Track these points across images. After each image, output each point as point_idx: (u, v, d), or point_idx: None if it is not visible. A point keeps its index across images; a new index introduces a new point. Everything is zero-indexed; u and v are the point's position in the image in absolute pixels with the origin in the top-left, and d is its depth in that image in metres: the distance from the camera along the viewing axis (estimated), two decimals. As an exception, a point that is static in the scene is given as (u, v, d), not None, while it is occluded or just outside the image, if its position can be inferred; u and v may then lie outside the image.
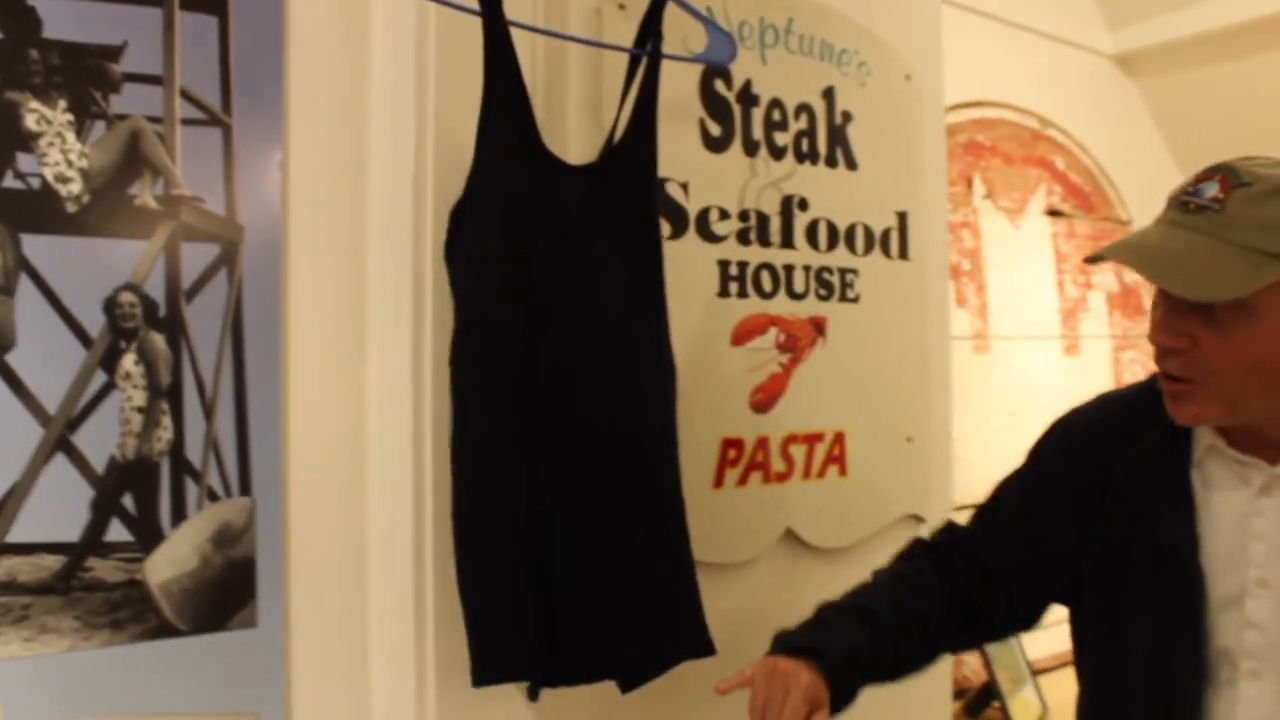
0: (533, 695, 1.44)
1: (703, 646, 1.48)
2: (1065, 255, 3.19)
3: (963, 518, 2.42)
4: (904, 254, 1.98)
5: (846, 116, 1.91)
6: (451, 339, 1.39)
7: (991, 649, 2.59)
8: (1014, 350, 2.98)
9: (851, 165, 1.91)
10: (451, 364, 1.39)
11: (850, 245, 1.89)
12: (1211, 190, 1.18)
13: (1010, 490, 1.48)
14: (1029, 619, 1.53)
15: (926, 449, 1.99)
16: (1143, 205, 3.54)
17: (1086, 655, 1.45)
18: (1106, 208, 3.37)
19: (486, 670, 1.35)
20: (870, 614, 1.38)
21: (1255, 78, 3.51)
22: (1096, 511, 1.35)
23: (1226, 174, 1.19)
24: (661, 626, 1.43)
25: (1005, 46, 3.26)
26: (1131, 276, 3.40)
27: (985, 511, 1.50)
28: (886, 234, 1.95)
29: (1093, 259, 1.24)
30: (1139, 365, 3.38)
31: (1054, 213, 3.19)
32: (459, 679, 1.39)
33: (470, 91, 1.38)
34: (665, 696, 1.54)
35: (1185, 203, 1.20)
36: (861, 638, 1.34)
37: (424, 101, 1.45)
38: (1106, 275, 3.31)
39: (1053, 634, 2.94)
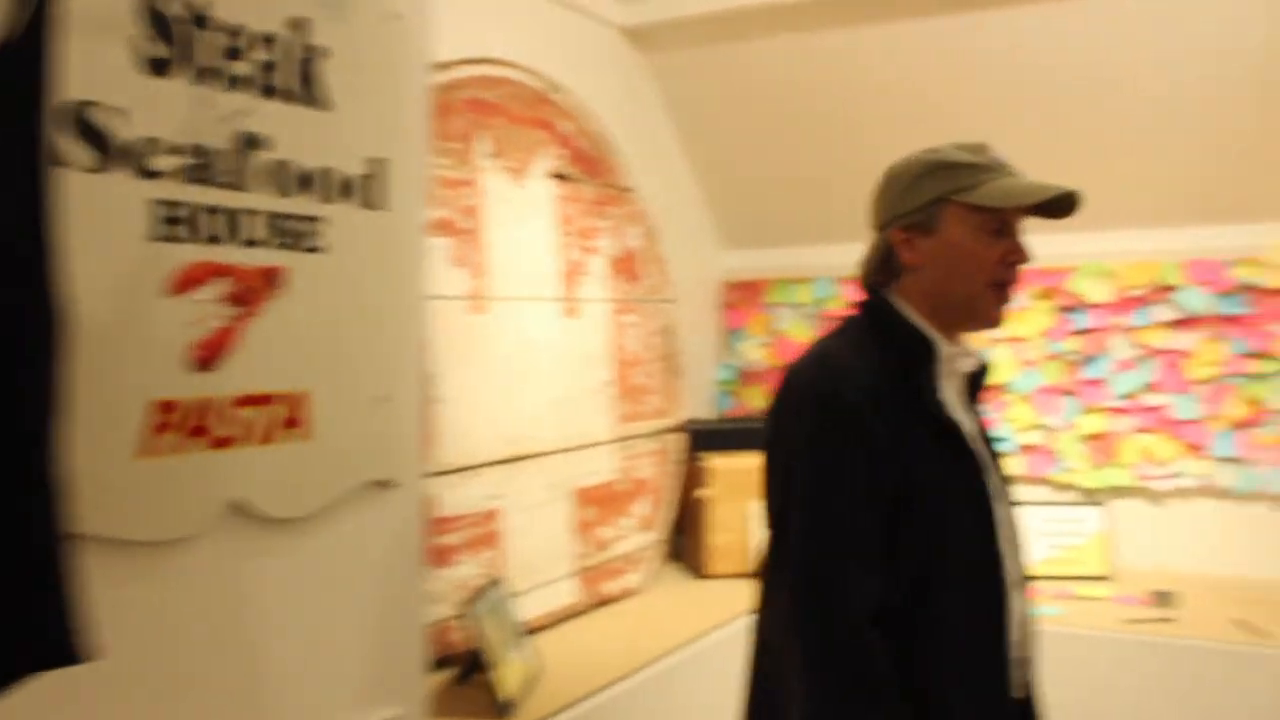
0: None
1: (65, 653, 1.21)
2: (569, 218, 3.22)
3: (443, 483, 2.32)
4: (380, 204, 1.86)
5: (320, 51, 1.76)
6: None
7: (481, 611, 2.57)
8: (514, 311, 2.97)
9: (324, 105, 1.77)
10: None
11: (317, 191, 1.75)
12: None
13: (858, 496, 1.51)
14: None
15: (398, 411, 1.90)
16: (645, 174, 3.67)
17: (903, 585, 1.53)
18: (610, 174, 3.45)
19: None
20: None
21: (760, 60, 3.73)
22: (910, 437, 1.54)
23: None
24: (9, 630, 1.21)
25: (515, 7, 3.24)
26: (635, 243, 3.51)
27: (863, 543, 1.51)
28: (360, 182, 1.83)
29: (1052, 204, 1.58)
30: (639, 329, 3.50)
31: (559, 176, 3.21)
32: None
33: None
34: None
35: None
36: None
37: None
38: (607, 240, 3.39)
39: (547, 593, 3.01)
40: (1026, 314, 3.75)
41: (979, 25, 3.37)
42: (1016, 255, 1.59)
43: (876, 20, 3.48)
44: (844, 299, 4.10)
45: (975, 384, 1.70)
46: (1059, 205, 1.58)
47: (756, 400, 4.26)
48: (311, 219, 1.74)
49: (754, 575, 1.68)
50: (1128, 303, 3.66)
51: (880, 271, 1.66)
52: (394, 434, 1.90)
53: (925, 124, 3.62)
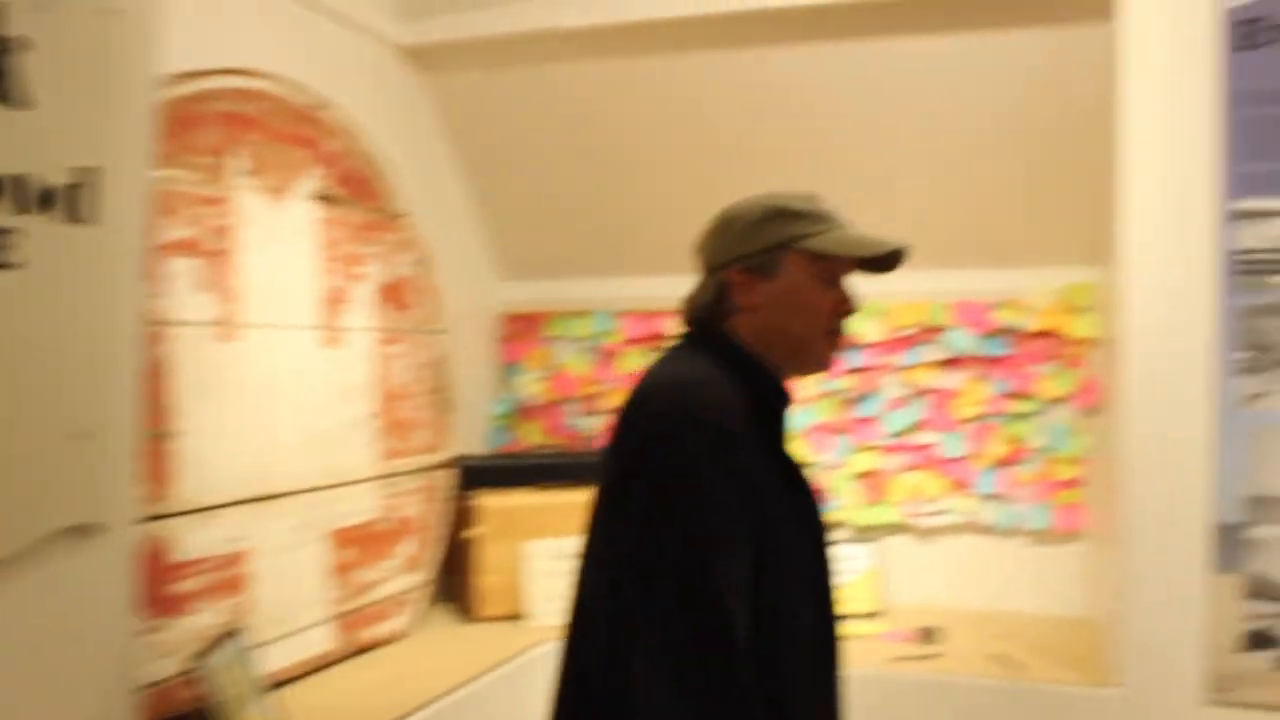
0: None
1: None
2: (333, 242, 3.06)
3: (180, 524, 2.13)
4: (89, 219, 1.67)
5: (18, 42, 1.57)
6: None
7: (217, 664, 2.36)
8: (267, 339, 2.78)
9: (20, 103, 1.57)
10: None
11: (9, 201, 1.55)
12: None
13: (735, 527, 1.47)
14: None
15: (106, 447, 1.71)
16: (419, 199, 3.53)
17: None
18: (381, 198, 3.30)
19: None
20: None
21: (544, 86, 3.65)
22: (767, 472, 1.55)
23: None
24: None
25: (280, 17, 3.07)
26: (406, 271, 3.37)
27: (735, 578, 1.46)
28: (65, 192, 1.64)
29: (879, 258, 1.62)
30: (407, 360, 3.35)
31: (323, 197, 3.04)
32: None
33: None
34: None
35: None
36: None
37: None
38: (375, 266, 3.23)
39: (298, 641, 2.81)
40: (802, 351, 3.76)
41: (764, 61, 3.38)
42: (848, 305, 1.66)
43: (664, 51, 3.46)
44: (623, 334, 4.05)
45: None
46: (887, 260, 1.64)
47: (533, 436, 4.15)
48: (3, 232, 1.54)
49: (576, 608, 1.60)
50: (899, 342, 3.73)
51: (710, 310, 1.67)
52: (100, 473, 1.71)
53: (709, 159, 3.63)
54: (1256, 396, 2.67)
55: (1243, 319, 2.67)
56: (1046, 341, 3.59)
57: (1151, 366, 2.74)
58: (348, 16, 3.34)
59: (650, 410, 1.54)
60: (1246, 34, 2.67)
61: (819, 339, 1.65)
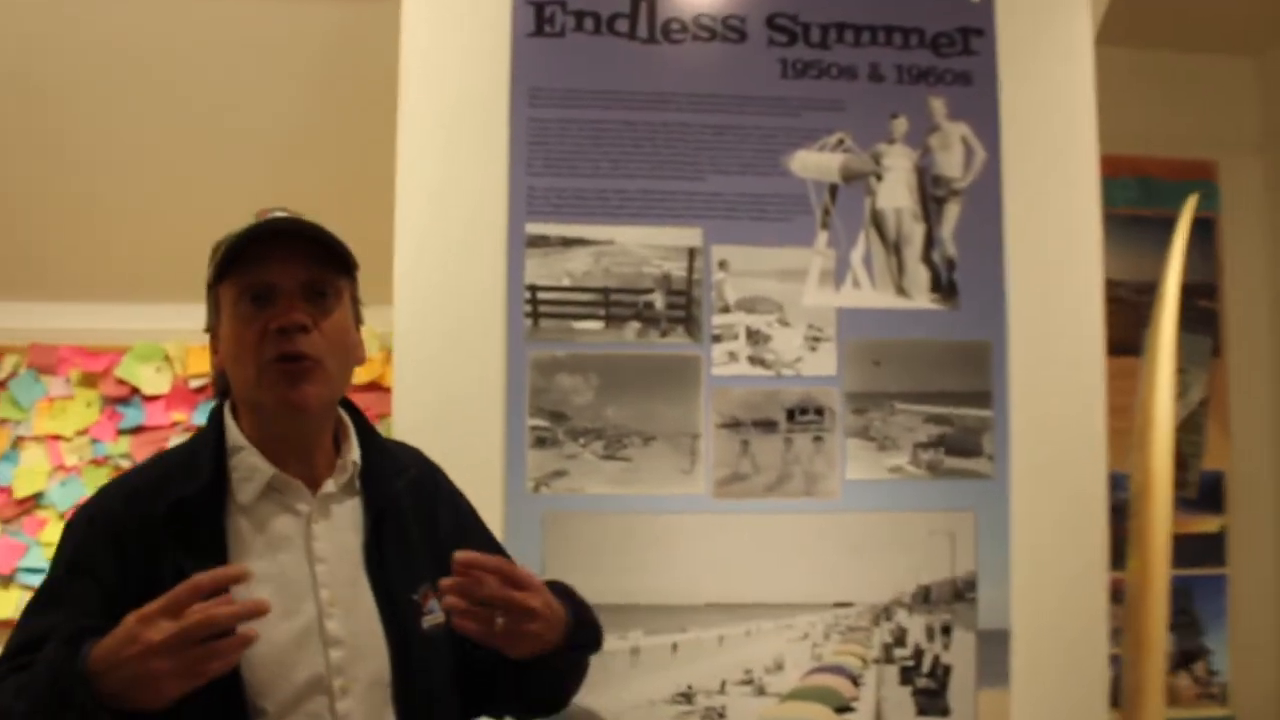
0: None
1: None
2: None
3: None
4: None
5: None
6: None
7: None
8: None
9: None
10: None
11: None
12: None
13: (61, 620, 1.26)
14: None
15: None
16: None
17: None
18: None
19: None
20: None
21: None
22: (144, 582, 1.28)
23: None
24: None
25: None
26: None
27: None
28: None
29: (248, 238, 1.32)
30: None
31: None
32: None
33: None
34: None
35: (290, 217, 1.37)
36: None
37: None
38: None
39: None
40: (66, 405, 2.94)
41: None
42: (275, 319, 1.33)
43: None
44: None
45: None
46: (288, 241, 1.35)
47: None
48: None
49: None
50: (192, 395, 3.03)
51: (220, 386, 1.45)
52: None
53: None
54: (557, 475, 2.12)
55: (537, 373, 2.12)
56: (375, 395, 2.97)
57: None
58: None
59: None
60: (540, 17, 2.15)
61: (261, 378, 1.34)
